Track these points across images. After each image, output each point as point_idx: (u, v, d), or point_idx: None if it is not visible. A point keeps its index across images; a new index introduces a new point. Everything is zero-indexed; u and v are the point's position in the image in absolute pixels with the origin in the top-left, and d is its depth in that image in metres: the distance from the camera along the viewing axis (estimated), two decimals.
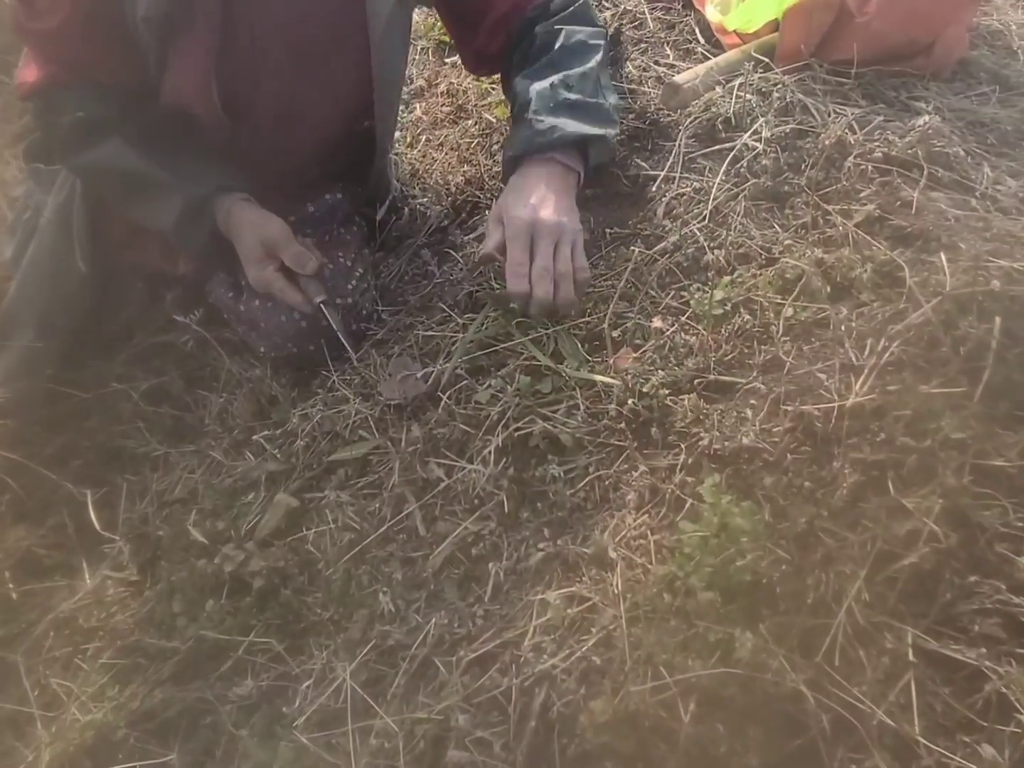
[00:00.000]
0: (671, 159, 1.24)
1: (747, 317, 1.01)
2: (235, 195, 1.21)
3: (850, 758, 0.69)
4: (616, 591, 0.84)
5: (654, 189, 1.23)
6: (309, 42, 1.18)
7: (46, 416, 1.37)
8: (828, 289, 1.01)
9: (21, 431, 1.37)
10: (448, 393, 1.10)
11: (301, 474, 1.15)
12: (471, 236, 1.31)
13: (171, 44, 1.11)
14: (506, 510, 0.99)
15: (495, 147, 1.48)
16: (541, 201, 1.11)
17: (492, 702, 0.85)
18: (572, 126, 1.13)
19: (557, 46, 1.22)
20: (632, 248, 1.14)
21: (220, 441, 1.25)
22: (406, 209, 1.48)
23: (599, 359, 1.07)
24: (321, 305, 1.20)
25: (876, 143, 1.14)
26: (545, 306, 1.09)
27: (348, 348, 1.21)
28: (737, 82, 1.28)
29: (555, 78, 1.17)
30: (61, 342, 1.37)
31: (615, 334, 1.08)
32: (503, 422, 1.04)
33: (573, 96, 1.16)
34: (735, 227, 1.12)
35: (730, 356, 0.99)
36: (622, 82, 1.41)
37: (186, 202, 1.18)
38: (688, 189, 1.18)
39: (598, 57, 1.21)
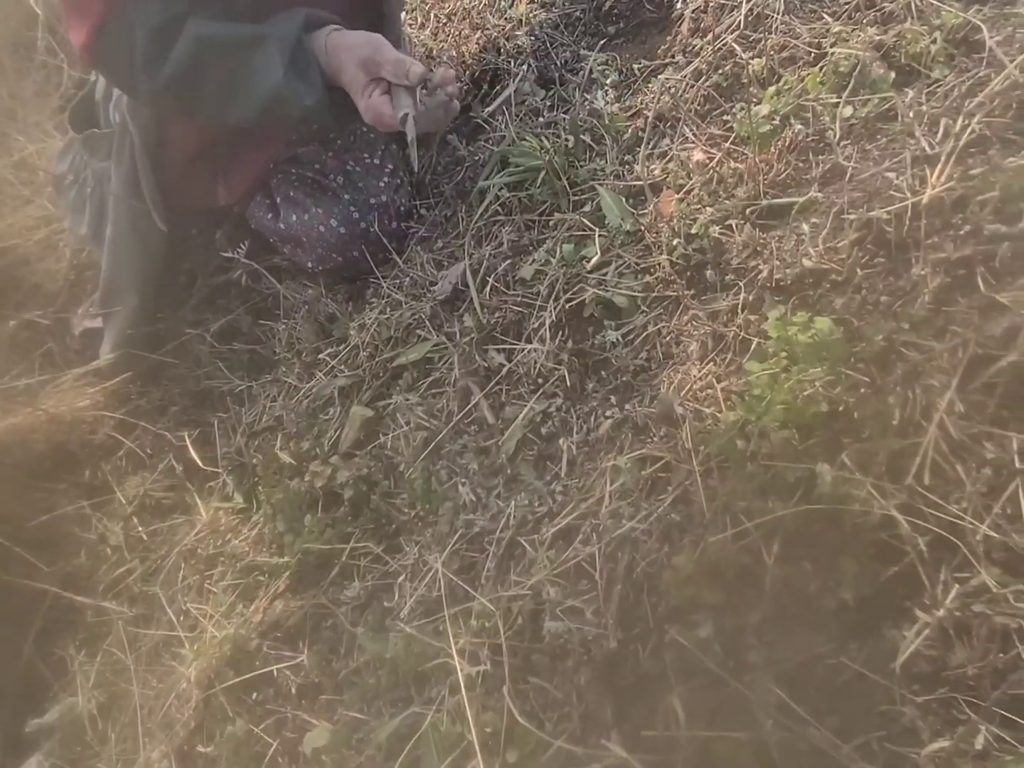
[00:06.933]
0: None
1: (799, 128, 0.90)
2: (327, 28, 1.11)
3: (954, 578, 0.64)
4: (687, 446, 0.81)
5: (679, 5, 1.09)
6: None
7: (140, 373, 1.45)
8: (892, 75, 0.88)
9: (121, 390, 1.45)
10: (493, 276, 1.06)
11: (370, 384, 1.16)
12: (492, 107, 1.22)
13: None
14: (569, 384, 0.96)
15: (503, 3, 1.36)
16: None
17: (579, 571, 0.85)
18: None
19: None
20: (659, 77, 1.03)
21: (292, 367, 1.28)
22: None
23: (644, 211, 0.99)
24: (405, 117, 1.06)
25: None
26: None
27: (414, 161, 1.10)
28: None
29: None
30: (152, 301, 1.41)
31: (654, 173, 0.99)
32: (553, 296, 1.00)
33: None
34: (776, 28, 0.98)
35: (784, 175, 0.89)
36: None
37: (281, 45, 1.07)
38: None
39: None
